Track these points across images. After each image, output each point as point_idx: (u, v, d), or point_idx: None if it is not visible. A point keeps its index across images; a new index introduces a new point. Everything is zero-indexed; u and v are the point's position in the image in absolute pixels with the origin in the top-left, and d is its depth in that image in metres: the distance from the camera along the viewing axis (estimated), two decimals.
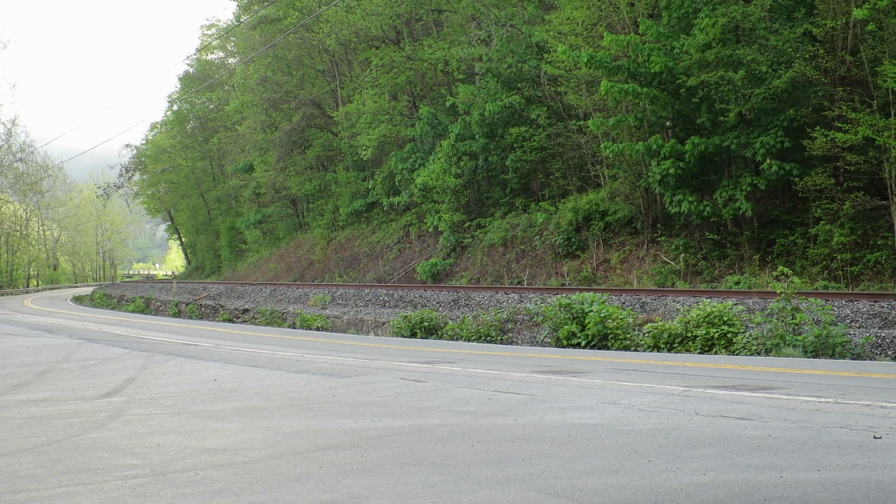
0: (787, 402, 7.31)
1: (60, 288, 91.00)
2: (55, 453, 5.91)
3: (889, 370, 10.86)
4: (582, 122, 26.71)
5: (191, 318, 35.84)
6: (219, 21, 73.49)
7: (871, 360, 13.01)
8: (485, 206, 32.55)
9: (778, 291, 14.63)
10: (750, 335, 14.27)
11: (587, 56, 21.84)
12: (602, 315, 16.31)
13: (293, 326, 26.56)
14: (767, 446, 5.45)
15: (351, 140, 40.15)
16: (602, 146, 23.49)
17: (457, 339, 19.39)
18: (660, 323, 15.87)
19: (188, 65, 70.12)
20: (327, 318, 25.53)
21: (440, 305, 23.63)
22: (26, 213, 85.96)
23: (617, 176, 25.98)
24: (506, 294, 22.88)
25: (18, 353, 15.12)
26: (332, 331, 24.50)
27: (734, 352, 14.18)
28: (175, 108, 72.07)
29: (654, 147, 21.71)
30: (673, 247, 23.32)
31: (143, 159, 74.47)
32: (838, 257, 19.25)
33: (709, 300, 15.77)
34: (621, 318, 16.31)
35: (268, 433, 6.58)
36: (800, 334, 13.68)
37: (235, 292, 38.15)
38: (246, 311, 31.81)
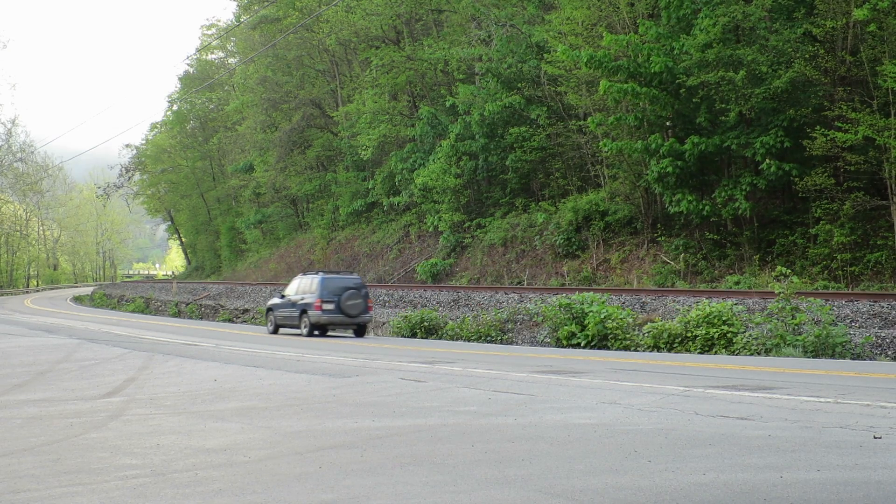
0: (787, 402, 7.31)
1: (60, 288, 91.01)
2: (55, 453, 5.91)
3: (889, 370, 10.87)
4: (582, 122, 26.71)
5: (191, 318, 35.83)
6: (219, 21, 73.53)
7: (871, 360, 13.02)
8: (485, 206, 32.53)
9: (776, 291, 14.62)
10: (750, 335, 14.27)
11: (587, 56, 21.83)
12: (602, 315, 16.31)
13: None
14: (767, 446, 5.45)
15: (351, 140, 40.14)
16: (601, 143, 23.48)
17: (457, 339, 19.39)
18: (660, 323, 15.88)
19: (188, 65, 70.16)
20: None
21: (440, 305, 23.63)
22: (26, 213, 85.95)
23: (617, 176, 25.97)
24: (506, 294, 22.88)
25: (18, 353, 15.12)
26: None
27: (734, 352, 14.17)
28: (175, 108, 72.06)
29: (653, 146, 21.71)
30: (673, 247, 23.32)
31: (143, 159, 74.46)
32: (838, 257, 19.25)
33: (709, 300, 15.78)
34: (621, 318, 16.31)
35: (268, 433, 6.57)
36: (800, 334, 13.68)
37: (235, 292, 38.15)
38: (246, 311, 31.80)
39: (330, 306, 19.76)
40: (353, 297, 19.92)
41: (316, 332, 20.26)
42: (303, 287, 20.82)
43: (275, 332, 21.80)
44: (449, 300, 23.99)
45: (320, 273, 20.75)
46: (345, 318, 19.98)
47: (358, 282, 20.83)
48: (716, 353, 14.37)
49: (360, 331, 20.88)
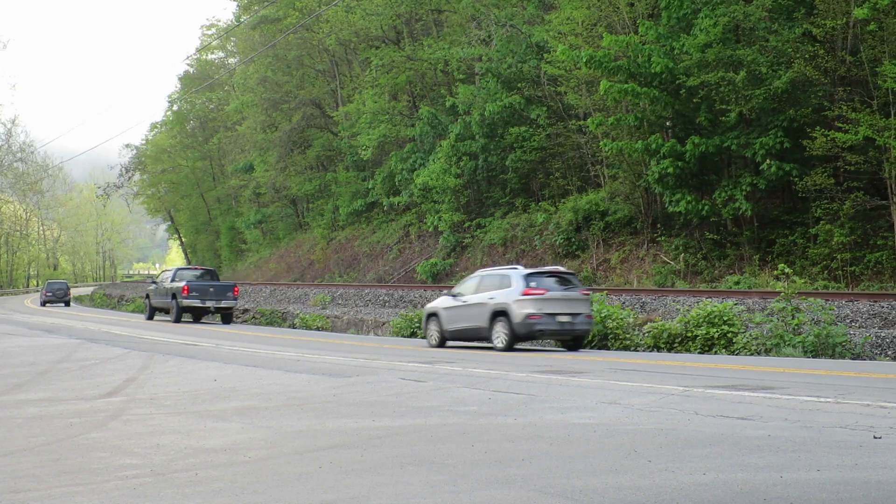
0: (787, 402, 7.31)
1: None
2: (55, 453, 5.91)
3: (889, 370, 10.87)
4: (582, 122, 26.71)
5: None
6: (219, 21, 73.39)
7: (871, 360, 13.02)
8: (485, 206, 32.53)
9: (778, 290, 14.62)
10: (750, 335, 14.26)
11: (587, 56, 21.83)
12: (602, 315, 16.29)
13: (293, 326, 26.55)
14: (767, 446, 5.45)
15: (351, 140, 40.13)
16: (601, 144, 23.49)
17: None
18: (660, 323, 15.87)
19: (188, 65, 70.13)
20: (327, 318, 25.53)
21: None
22: (26, 213, 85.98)
23: (617, 176, 25.97)
24: None
25: (18, 353, 15.12)
26: (332, 331, 24.49)
27: (734, 352, 14.17)
28: (175, 108, 72.01)
29: (653, 146, 21.71)
30: (673, 247, 23.31)
31: (143, 159, 74.44)
32: (838, 257, 19.25)
33: (709, 300, 15.76)
34: (621, 318, 16.29)
35: (268, 433, 6.58)
36: (800, 334, 13.68)
37: None
38: (246, 311, 31.78)
39: (50, 294, 49.12)
40: (60, 290, 49.33)
41: (47, 304, 48.11)
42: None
43: (43, 305, 48.44)
44: None
45: (49, 281, 54.12)
46: (56, 299, 48.68)
47: (64, 284, 50.94)
48: (716, 353, 14.37)
49: (66, 304, 48.92)
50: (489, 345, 15.43)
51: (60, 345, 16.59)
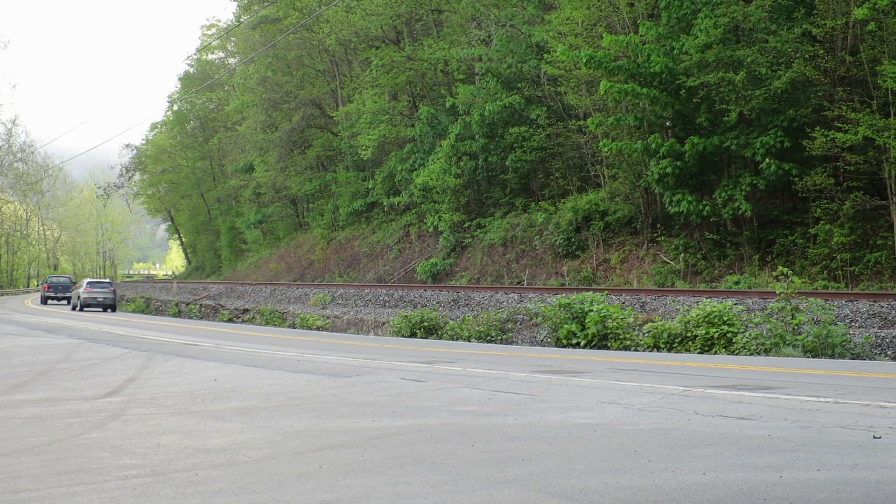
0: (787, 402, 7.31)
1: None
2: (55, 453, 5.91)
3: (889, 370, 10.87)
4: (582, 122, 26.70)
5: (191, 318, 35.83)
6: (219, 21, 73.43)
7: (870, 360, 13.02)
8: (485, 206, 32.54)
9: (777, 291, 14.62)
10: (750, 335, 14.27)
11: (587, 56, 21.83)
12: (602, 315, 16.31)
13: (293, 326, 26.56)
14: (767, 446, 5.46)
15: (351, 140, 40.14)
16: (601, 144, 23.48)
17: (457, 339, 19.39)
18: (660, 323, 15.87)
19: (188, 65, 70.17)
20: (327, 318, 25.53)
21: (440, 305, 23.63)
22: (26, 213, 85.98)
23: (617, 176, 25.97)
24: (506, 294, 22.89)
25: (19, 353, 15.12)
26: (332, 331, 24.50)
27: (734, 352, 14.18)
28: (175, 108, 72.03)
29: (653, 146, 21.70)
30: (673, 247, 23.31)
31: (143, 159, 74.44)
32: (838, 257, 19.25)
33: (709, 300, 15.76)
34: (621, 318, 16.30)
35: (268, 433, 6.58)
36: (799, 334, 13.68)
37: (235, 292, 38.16)
38: (246, 311, 31.80)
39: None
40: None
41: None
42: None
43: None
44: (449, 300, 23.99)
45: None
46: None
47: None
48: (716, 353, 14.37)
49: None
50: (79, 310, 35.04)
51: (60, 345, 16.59)
